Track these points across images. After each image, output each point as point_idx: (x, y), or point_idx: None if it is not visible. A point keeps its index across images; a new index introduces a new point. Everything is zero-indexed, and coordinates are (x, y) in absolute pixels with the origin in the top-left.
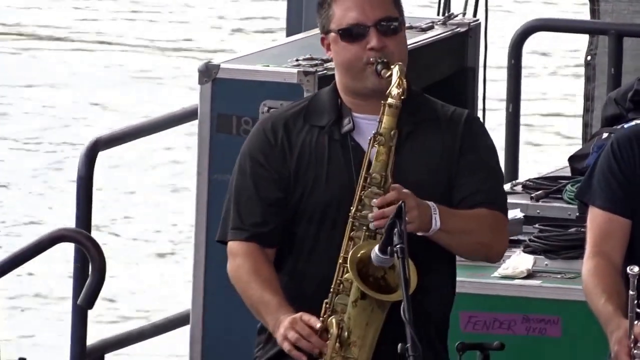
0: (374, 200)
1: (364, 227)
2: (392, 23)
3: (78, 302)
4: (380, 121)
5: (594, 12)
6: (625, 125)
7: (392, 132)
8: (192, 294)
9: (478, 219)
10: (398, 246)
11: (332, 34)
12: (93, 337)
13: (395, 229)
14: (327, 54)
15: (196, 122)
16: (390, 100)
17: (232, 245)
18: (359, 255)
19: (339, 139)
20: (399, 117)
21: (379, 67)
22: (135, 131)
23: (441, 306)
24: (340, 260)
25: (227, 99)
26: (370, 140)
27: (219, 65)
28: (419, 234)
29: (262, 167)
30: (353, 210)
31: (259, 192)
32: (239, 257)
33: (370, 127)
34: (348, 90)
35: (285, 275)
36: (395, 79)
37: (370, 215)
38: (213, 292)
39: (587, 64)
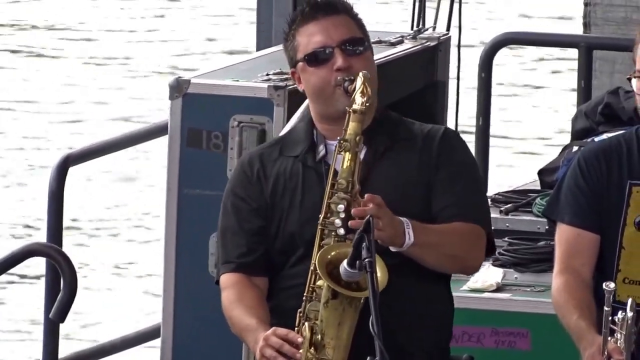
0: (340, 205)
1: (333, 234)
2: (356, 43)
3: (50, 316)
4: (346, 128)
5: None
6: (596, 139)
7: (357, 138)
8: (163, 308)
9: (452, 232)
10: (366, 260)
11: (300, 64)
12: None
13: (364, 243)
14: (299, 87)
15: (166, 137)
16: (354, 106)
17: (222, 279)
18: (328, 257)
19: (313, 166)
20: (373, 129)
21: (346, 84)
22: (106, 146)
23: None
24: (312, 268)
25: (198, 114)
26: (335, 147)
27: (190, 81)
28: (393, 249)
29: (242, 200)
30: (321, 218)
31: (241, 225)
32: (227, 288)
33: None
34: (321, 117)
35: (274, 299)
36: (359, 85)
37: (336, 221)
38: (183, 306)
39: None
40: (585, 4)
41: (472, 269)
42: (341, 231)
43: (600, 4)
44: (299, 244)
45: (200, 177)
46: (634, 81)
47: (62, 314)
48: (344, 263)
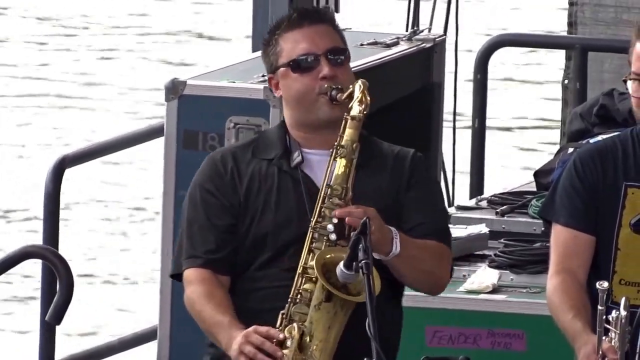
0: (335, 211)
1: (325, 238)
2: (340, 53)
3: (46, 318)
4: (342, 134)
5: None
6: (591, 140)
7: (353, 145)
8: (160, 310)
9: (429, 249)
10: (363, 262)
11: (282, 69)
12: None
13: (360, 245)
14: (276, 93)
15: (162, 138)
16: (352, 113)
17: (187, 273)
18: (323, 260)
19: (288, 171)
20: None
21: (334, 92)
22: (102, 148)
23: (394, 334)
24: (299, 271)
25: (193, 116)
26: (331, 152)
27: (186, 82)
28: (376, 256)
29: (213, 196)
30: (313, 222)
31: (210, 220)
32: (192, 284)
33: (319, 162)
34: (298, 125)
35: (237, 299)
36: (357, 94)
37: (329, 226)
38: (180, 307)
39: (565, 88)
40: (571, 4)
41: (441, 288)
42: (333, 236)
43: (589, 3)
44: (269, 246)
45: None
46: (629, 83)
47: (59, 316)
48: (341, 265)
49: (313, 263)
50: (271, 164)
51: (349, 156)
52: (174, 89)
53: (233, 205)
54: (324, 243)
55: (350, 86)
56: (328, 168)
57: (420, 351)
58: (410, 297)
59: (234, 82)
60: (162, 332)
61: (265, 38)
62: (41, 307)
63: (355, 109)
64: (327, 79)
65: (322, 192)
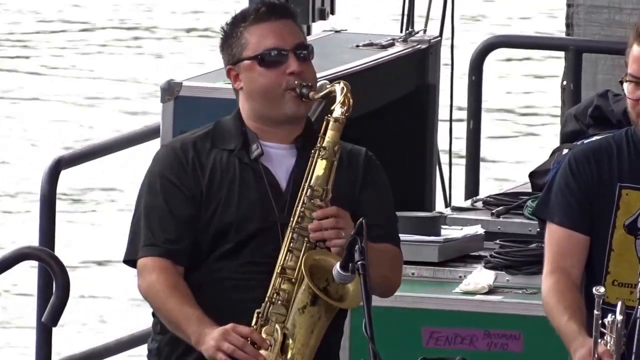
0: (314, 212)
1: (305, 239)
2: (306, 49)
3: (42, 319)
4: (324, 135)
5: (569, 36)
6: (585, 141)
7: (335, 147)
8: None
9: (384, 253)
10: (359, 263)
11: (246, 62)
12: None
13: (357, 246)
14: (235, 85)
15: (158, 140)
16: (335, 114)
17: (145, 262)
18: (310, 263)
19: (249, 163)
20: (306, 138)
21: (304, 90)
22: (98, 149)
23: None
24: (277, 270)
25: (189, 117)
26: (313, 153)
27: (182, 83)
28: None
29: (175, 187)
30: (293, 222)
31: (172, 210)
32: (153, 272)
33: (278, 156)
34: (259, 118)
35: (196, 290)
36: (340, 96)
37: (310, 225)
38: None
39: (563, 89)
40: (568, 5)
41: (392, 292)
42: (311, 236)
43: (583, 5)
44: (230, 239)
45: None
46: (625, 85)
47: (55, 318)
48: (337, 266)
49: (302, 267)
50: (232, 154)
51: (330, 158)
52: (170, 90)
53: (195, 196)
54: (304, 244)
55: (329, 86)
56: (309, 169)
57: (416, 352)
58: (407, 298)
59: (229, 83)
60: None
61: (226, 29)
62: (37, 308)
63: (338, 111)
64: (294, 75)
65: (304, 193)
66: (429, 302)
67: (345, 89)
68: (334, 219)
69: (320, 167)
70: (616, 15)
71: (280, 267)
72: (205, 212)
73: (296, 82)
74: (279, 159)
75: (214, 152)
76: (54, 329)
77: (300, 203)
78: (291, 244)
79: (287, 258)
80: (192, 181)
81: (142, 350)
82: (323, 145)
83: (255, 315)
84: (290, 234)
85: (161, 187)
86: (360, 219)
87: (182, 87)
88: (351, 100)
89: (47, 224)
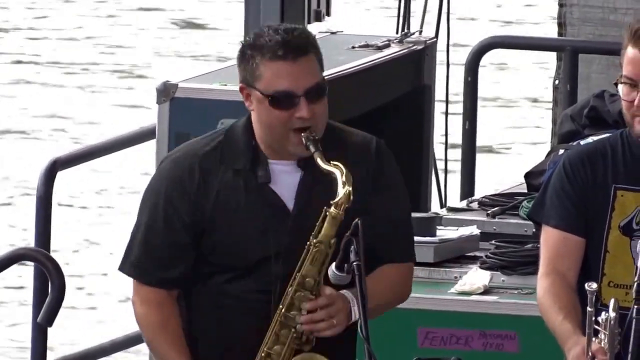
0: (304, 304)
1: (293, 329)
2: (320, 89)
3: (38, 320)
4: (320, 227)
5: (561, 35)
6: (581, 142)
7: (331, 241)
8: None
9: (386, 284)
10: (354, 263)
11: (258, 93)
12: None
13: (352, 246)
14: (246, 103)
15: (154, 141)
16: (333, 210)
17: (140, 289)
18: None
19: (255, 187)
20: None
21: (310, 145)
22: (94, 151)
23: None
24: (262, 354)
25: (185, 118)
26: (308, 245)
27: (177, 85)
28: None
29: (176, 211)
30: (282, 309)
31: (169, 236)
32: (145, 304)
33: (285, 174)
34: (265, 144)
35: (190, 311)
36: (341, 190)
37: (301, 318)
38: None
39: (555, 88)
40: (560, 5)
41: (402, 302)
42: (301, 328)
43: (577, 4)
44: (232, 266)
45: None
46: (620, 86)
47: (50, 318)
48: (332, 266)
49: None
50: (238, 176)
51: (324, 252)
52: (166, 92)
53: (195, 222)
54: (291, 332)
55: (332, 168)
56: (304, 258)
57: (412, 352)
58: None
59: (225, 84)
60: None
61: (244, 47)
62: (33, 309)
63: (339, 204)
64: (303, 119)
65: (293, 281)
66: (425, 303)
67: (346, 182)
68: (325, 311)
69: (314, 259)
70: (610, 15)
71: (264, 352)
72: (208, 236)
73: (303, 131)
74: (285, 178)
75: (221, 170)
76: (49, 329)
77: (292, 291)
78: (278, 329)
79: (272, 342)
80: (194, 208)
81: (137, 349)
82: (319, 239)
83: None
84: (278, 319)
85: (163, 211)
86: (356, 220)
87: (177, 88)
88: (351, 194)
89: (43, 225)
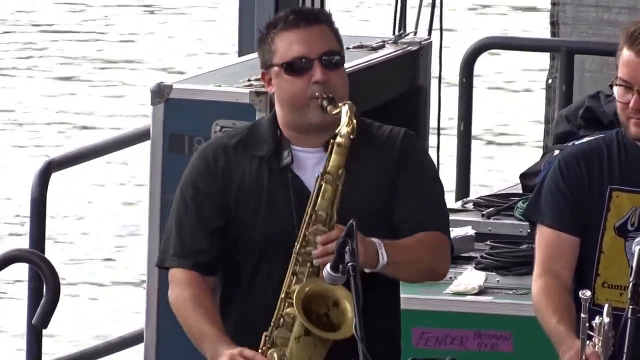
0: (318, 237)
1: (308, 263)
2: (334, 56)
3: (33, 322)
4: (328, 159)
5: (554, 35)
6: (576, 143)
7: (339, 171)
8: (146, 313)
9: (421, 246)
10: (349, 264)
11: (275, 68)
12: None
13: (347, 247)
14: (269, 89)
15: (148, 142)
16: (339, 139)
17: (174, 273)
18: (304, 293)
19: (278, 171)
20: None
21: (325, 102)
22: (89, 152)
23: (389, 328)
24: (282, 295)
25: (179, 119)
26: (317, 177)
27: (172, 86)
28: (367, 270)
29: (205, 196)
30: (297, 247)
31: (201, 221)
32: (181, 286)
33: (309, 161)
34: (289, 125)
35: (232, 306)
36: (344, 119)
37: (314, 252)
38: (166, 310)
39: (548, 87)
40: (553, 4)
41: (442, 276)
42: (316, 262)
43: (571, 3)
44: (257, 254)
45: None
46: (615, 88)
47: (45, 320)
48: (327, 267)
49: (294, 300)
50: (262, 162)
51: (334, 182)
52: (160, 93)
53: (223, 207)
54: (307, 268)
55: (340, 104)
56: (313, 192)
57: (407, 353)
58: None
59: (220, 86)
60: (149, 335)
61: (261, 33)
62: (28, 310)
63: (343, 132)
64: (319, 84)
65: (307, 217)
66: (420, 303)
67: (349, 112)
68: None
69: (324, 191)
70: (604, 14)
71: (284, 292)
72: (234, 223)
73: (319, 91)
74: (310, 165)
75: (246, 158)
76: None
77: (304, 227)
78: (296, 268)
79: (291, 282)
80: (222, 192)
81: (134, 350)
82: (327, 170)
83: (263, 338)
84: (295, 257)
85: (192, 198)
86: (351, 221)
87: (172, 89)
88: (355, 121)
89: (37, 227)
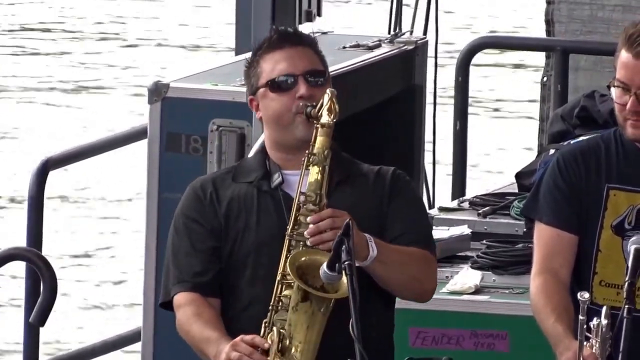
0: (309, 217)
1: (301, 244)
2: (319, 78)
3: (30, 320)
4: (313, 142)
5: (549, 33)
6: (572, 142)
7: (325, 152)
8: (143, 311)
9: (411, 253)
10: (346, 263)
11: (261, 90)
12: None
13: (344, 246)
14: (257, 115)
15: (145, 141)
16: (322, 120)
17: (177, 298)
18: (298, 261)
19: (268, 191)
20: (334, 164)
21: (309, 109)
22: (86, 150)
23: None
24: (278, 278)
25: (176, 118)
26: (303, 161)
27: (169, 85)
28: (357, 264)
29: (195, 222)
30: (289, 229)
31: (195, 245)
32: (183, 306)
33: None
34: (277, 145)
35: (227, 320)
36: (326, 101)
37: (306, 232)
38: (164, 310)
39: (543, 85)
40: (548, 2)
41: (428, 295)
42: (310, 241)
43: (565, 1)
44: (253, 265)
45: (180, 181)
46: (613, 89)
47: (42, 318)
48: (324, 266)
49: (286, 264)
50: (250, 185)
51: (321, 163)
52: (157, 92)
53: (215, 228)
54: (301, 249)
55: (325, 95)
56: (301, 177)
57: (403, 352)
58: None
59: (217, 85)
60: (146, 334)
61: (247, 60)
62: (25, 308)
63: (325, 116)
64: (303, 99)
65: (297, 200)
66: (416, 303)
67: (330, 95)
68: (330, 220)
69: (312, 172)
70: (599, 11)
71: (280, 275)
72: (225, 243)
73: (301, 104)
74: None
75: (233, 186)
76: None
77: (295, 210)
78: (290, 252)
79: (286, 265)
80: (211, 215)
81: (130, 349)
82: (313, 152)
83: (262, 325)
84: (288, 241)
85: (184, 226)
86: (347, 220)
87: (169, 88)
88: (337, 106)
89: (34, 225)
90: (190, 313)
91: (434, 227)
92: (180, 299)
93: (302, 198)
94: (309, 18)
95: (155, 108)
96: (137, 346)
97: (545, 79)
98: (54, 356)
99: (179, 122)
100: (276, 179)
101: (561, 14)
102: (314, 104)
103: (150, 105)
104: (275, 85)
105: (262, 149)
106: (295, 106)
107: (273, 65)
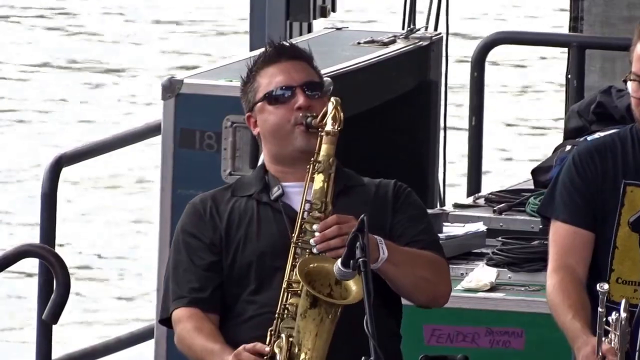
0: (315, 225)
1: (307, 252)
2: (317, 91)
3: (43, 317)
4: (318, 150)
5: (575, 30)
6: (588, 138)
7: (330, 160)
8: (156, 309)
9: (422, 255)
10: (360, 259)
11: (259, 104)
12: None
13: (358, 243)
14: (254, 131)
15: (159, 137)
16: (327, 128)
17: (176, 314)
18: (307, 268)
19: (268, 202)
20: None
21: (309, 119)
22: (99, 147)
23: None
24: (284, 286)
25: (190, 114)
26: (308, 168)
27: (182, 81)
28: None
29: (194, 237)
30: (295, 237)
31: (193, 261)
32: (182, 321)
33: (298, 195)
34: (276, 159)
35: (230, 330)
36: (331, 109)
37: (312, 240)
38: None
39: (568, 81)
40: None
41: (442, 299)
42: (316, 249)
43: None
44: (255, 275)
45: (194, 177)
46: (629, 83)
47: (55, 315)
48: (338, 262)
49: (296, 271)
50: (250, 198)
51: (327, 171)
52: (171, 88)
53: (214, 243)
54: (307, 257)
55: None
56: (306, 184)
57: (418, 350)
58: None
59: (231, 80)
60: (159, 331)
61: (243, 77)
62: (38, 306)
63: (329, 124)
64: (302, 109)
65: (302, 208)
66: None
67: (335, 103)
68: (336, 227)
69: (317, 180)
70: (636, 11)
71: (286, 282)
72: (226, 255)
73: (301, 115)
74: (299, 197)
75: (233, 200)
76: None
77: (300, 218)
78: (295, 260)
79: (292, 274)
80: (210, 229)
81: (142, 347)
82: (318, 159)
83: (268, 333)
84: (294, 249)
85: (183, 242)
86: (362, 215)
87: (183, 84)
88: (342, 114)
89: (47, 222)
90: (190, 327)
91: (449, 224)
92: (180, 314)
93: (308, 206)
94: (324, 14)
95: (169, 104)
96: (151, 343)
97: (570, 75)
98: (67, 353)
99: (193, 119)
100: (276, 191)
101: (591, 13)
102: (314, 114)
103: (164, 101)
104: (272, 98)
105: (261, 166)
106: (294, 117)
107: (270, 79)
